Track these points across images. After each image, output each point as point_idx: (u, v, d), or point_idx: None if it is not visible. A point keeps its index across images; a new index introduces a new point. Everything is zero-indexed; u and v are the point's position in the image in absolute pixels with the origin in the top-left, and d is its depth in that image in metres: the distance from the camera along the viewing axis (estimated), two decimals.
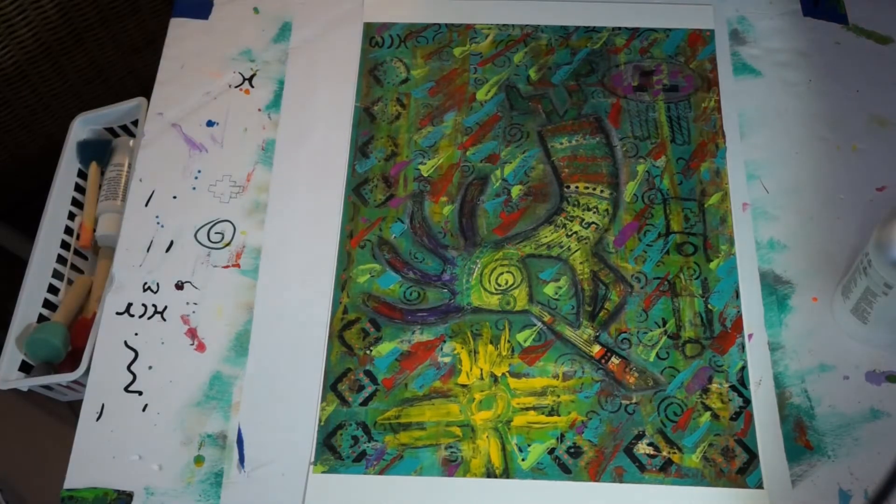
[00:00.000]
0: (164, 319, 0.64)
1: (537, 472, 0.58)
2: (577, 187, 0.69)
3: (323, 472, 0.58)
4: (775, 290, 0.65)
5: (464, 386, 0.61)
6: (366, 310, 0.64)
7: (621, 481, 0.58)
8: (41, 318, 0.77)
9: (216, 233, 0.68)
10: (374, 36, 0.77)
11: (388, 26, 0.77)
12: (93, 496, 0.58)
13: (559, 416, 0.60)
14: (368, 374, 0.62)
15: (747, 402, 0.60)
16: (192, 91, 0.74)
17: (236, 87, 0.75)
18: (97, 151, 0.84)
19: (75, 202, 0.83)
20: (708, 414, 0.60)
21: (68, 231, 0.82)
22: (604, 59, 0.75)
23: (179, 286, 0.66)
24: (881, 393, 0.61)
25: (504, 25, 0.77)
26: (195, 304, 0.65)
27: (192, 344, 0.63)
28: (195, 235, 0.68)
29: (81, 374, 0.70)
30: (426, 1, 0.78)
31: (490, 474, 0.58)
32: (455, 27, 0.77)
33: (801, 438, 0.59)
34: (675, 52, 0.75)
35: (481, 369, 0.62)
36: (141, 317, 0.65)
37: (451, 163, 0.70)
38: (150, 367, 0.63)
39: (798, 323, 0.63)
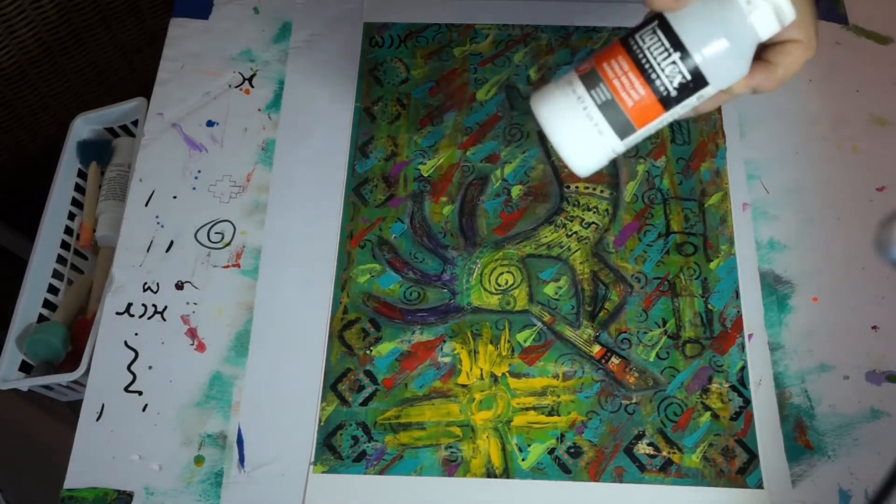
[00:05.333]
0: (164, 319, 0.64)
1: (537, 472, 0.58)
2: (577, 187, 0.69)
3: (323, 472, 0.58)
4: (775, 290, 0.65)
5: (464, 386, 0.61)
6: (366, 310, 0.64)
7: (621, 481, 0.58)
8: (41, 318, 0.77)
9: (216, 233, 0.68)
10: (374, 36, 0.77)
11: (388, 26, 0.77)
12: (93, 496, 0.58)
13: (559, 416, 0.60)
14: (368, 374, 0.62)
15: (747, 402, 0.60)
16: (192, 91, 0.74)
17: (236, 87, 0.75)
18: (97, 151, 0.84)
19: (75, 202, 0.83)
20: (708, 414, 0.60)
21: (68, 231, 0.82)
22: None
23: (179, 286, 0.66)
24: (881, 393, 0.61)
25: (504, 25, 0.77)
26: (195, 304, 0.65)
27: (192, 344, 0.63)
28: (195, 235, 0.68)
29: (81, 374, 0.70)
30: (426, 1, 0.78)
31: (490, 474, 0.58)
32: (455, 27, 0.77)
33: (801, 438, 0.59)
34: None
35: (481, 369, 0.62)
36: (141, 317, 0.65)
37: (451, 163, 0.70)
38: (150, 367, 0.63)
39: (798, 323, 0.63)
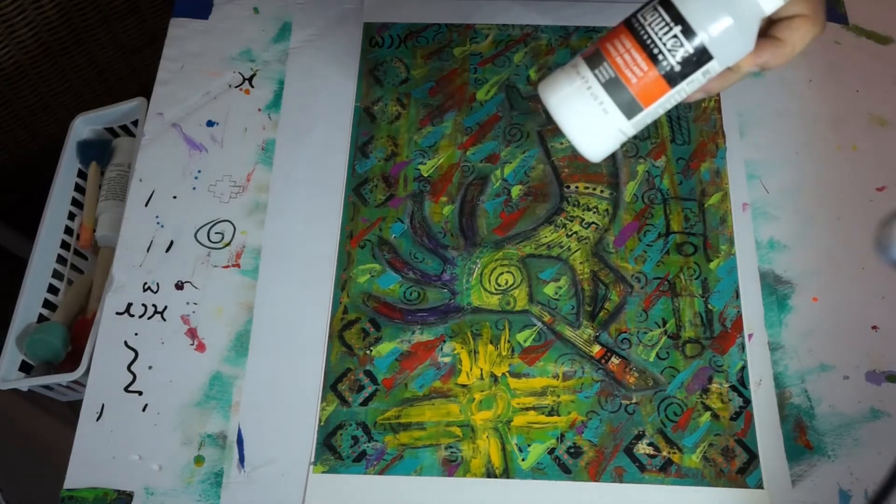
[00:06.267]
0: (164, 319, 0.64)
1: (537, 472, 0.58)
2: (577, 187, 0.69)
3: (323, 472, 0.58)
4: (775, 290, 0.65)
5: (464, 386, 0.61)
6: (366, 310, 0.64)
7: (621, 481, 0.58)
8: (41, 318, 0.77)
9: (216, 233, 0.68)
10: (374, 36, 0.77)
11: (388, 26, 0.77)
12: (93, 496, 0.58)
13: (559, 416, 0.60)
14: (368, 374, 0.62)
15: (747, 402, 0.60)
16: (192, 91, 0.74)
17: (236, 87, 0.75)
18: (97, 151, 0.84)
19: (75, 202, 0.83)
20: (708, 414, 0.60)
21: (68, 231, 0.82)
22: None
23: (179, 286, 0.66)
24: (881, 393, 0.61)
25: (504, 25, 0.77)
26: (195, 304, 0.65)
27: (192, 344, 0.63)
28: (195, 235, 0.68)
29: (81, 374, 0.70)
30: (426, 1, 0.78)
31: (490, 474, 0.58)
32: (455, 27, 0.77)
33: (801, 438, 0.59)
34: None
35: (481, 369, 0.62)
36: (141, 317, 0.65)
37: (451, 163, 0.70)
38: (150, 367, 0.63)
39: (798, 323, 0.63)
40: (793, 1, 0.43)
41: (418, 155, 0.71)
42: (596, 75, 0.44)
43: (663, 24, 0.42)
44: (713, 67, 0.43)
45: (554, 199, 0.69)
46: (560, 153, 0.70)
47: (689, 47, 0.42)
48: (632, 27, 0.43)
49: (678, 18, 0.42)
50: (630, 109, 0.44)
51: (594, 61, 0.44)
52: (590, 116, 0.44)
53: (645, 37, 0.43)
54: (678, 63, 0.43)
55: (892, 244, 0.53)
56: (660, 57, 0.43)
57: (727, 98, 0.73)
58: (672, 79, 0.43)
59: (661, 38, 0.42)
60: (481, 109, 0.73)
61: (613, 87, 0.44)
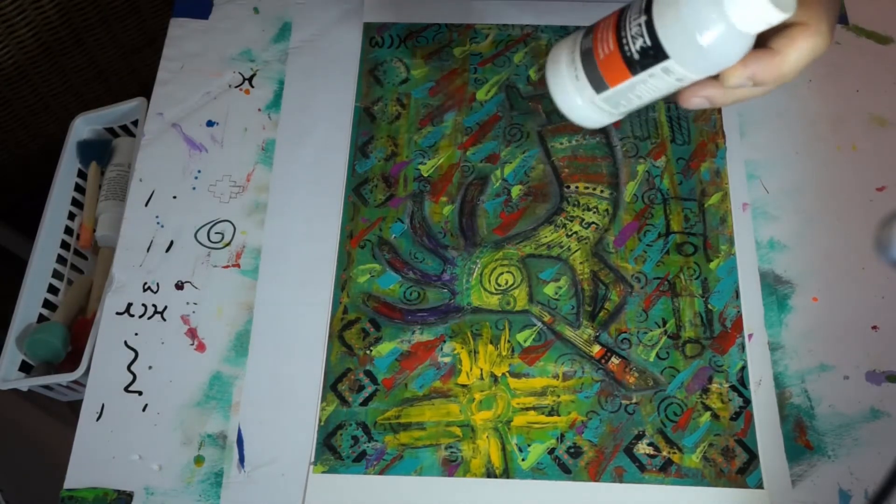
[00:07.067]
0: (164, 319, 0.64)
1: (537, 472, 0.58)
2: (577, 187, 0.69)
3: (323, 472, 0.58)
4: (775, 290, 0.65)
5: (464, 386, 0.61)
6: (366, 310, 0.64)
7: (621, 481, 0.58)
8: (41, 318, 0.77)
9: (216, 233, 0.68)
10: (374, 36, 0.77)
11: (388, 26, 0.77)
12: (93, 496, 0.58)
13: (559, 416, 0.60)
14: (368, 374, 0.62)
15: (747, 402, 0.60)
16: (192, 91, 0.74)
17: (236, 87, 0.75)
18: (97, 151, 0.84)
19: (75, 202, 0.83)
20: (708, 414, 0.60)
21: (68, 231, 0.82)
22: None
23: (179, 286, 0.66)
24: (881, 393, 0.61)
25: (504, 25, 0.77)
26: (195, 304, 0.65)
27: (192, 344, 0.64)
28: (195, 235, 0.68)
29: (81, 374, 0.70)
30: (426, 1, 0.78)
31: (490, 474, 0.58)
32: (455, 27, 0.77)
33: (801, 438, 0.59)
34: None
35: (481, 369, 0.62)
36: (141, 317, 0.65)
37: (451, 163, 0.70)
38: (150, 367, 0.63)
39: (798, 323, 0.63)
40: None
41: (418, 155, 0.71)
42: (581, 43, 0.46)
43: (638, 11, 0.43)
44: (674, 67, 0.42)
45: (554, 199, 0.69)
46: (560, 153, 0.70)
47: (647, 39, 0.42)
48: (622, 10, 0.45)
49: (647, 9, 0.43)
50: (597, 84, 0.46)
51: (587, 31, 0.47)
52: (567, 78, 0.47)
53: (622, 19, 0.44)
54: (637, 52, 0.43)
55: (892, 244, 0.53)
56: (623, 41, 0.44)
57: None
58: (631, 65, 0.44)
59: (630, 24, 0.43)
60: (481, 109, 0.73)
61: (587, 57, 0.46)
